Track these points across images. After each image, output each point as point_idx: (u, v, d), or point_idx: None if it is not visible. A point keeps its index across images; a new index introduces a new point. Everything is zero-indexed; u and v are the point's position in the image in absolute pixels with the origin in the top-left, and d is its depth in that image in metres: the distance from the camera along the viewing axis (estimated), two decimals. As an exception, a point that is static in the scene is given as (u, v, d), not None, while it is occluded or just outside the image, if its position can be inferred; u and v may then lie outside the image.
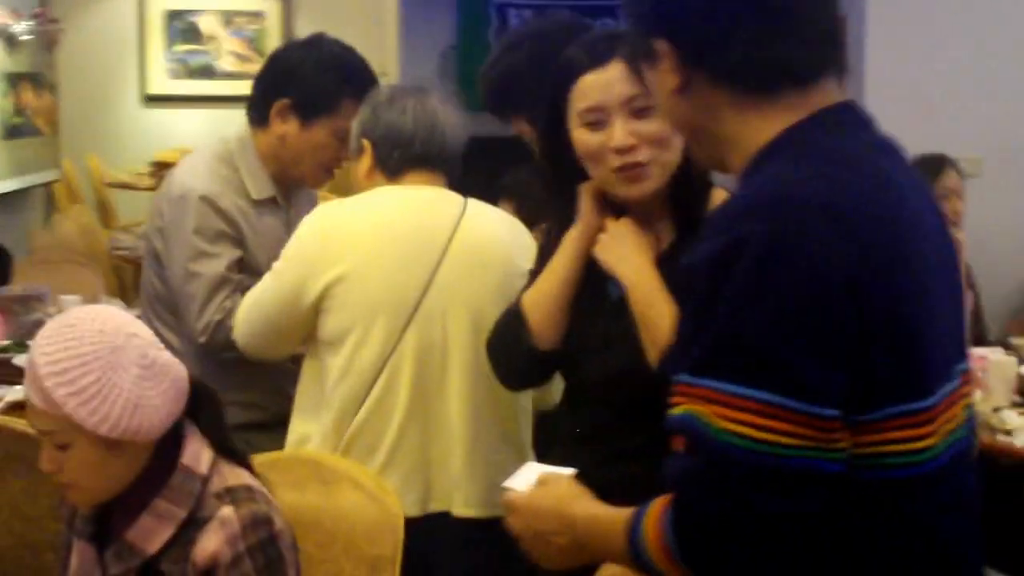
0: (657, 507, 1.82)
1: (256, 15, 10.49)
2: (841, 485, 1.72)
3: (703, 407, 1.71)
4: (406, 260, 3.04)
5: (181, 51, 10.57)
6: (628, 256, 2.44)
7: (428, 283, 3.01)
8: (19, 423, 3.36)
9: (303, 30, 10.29)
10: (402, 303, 3.01)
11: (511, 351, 2.65)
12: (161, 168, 9.36)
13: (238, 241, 3.47)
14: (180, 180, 3.53)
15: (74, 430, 2.28)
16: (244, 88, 10.75)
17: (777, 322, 1.68)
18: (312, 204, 3.71)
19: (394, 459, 3.03)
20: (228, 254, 3.43)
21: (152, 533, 2.34)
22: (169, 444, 2.37)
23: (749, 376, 1.69)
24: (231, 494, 2.36)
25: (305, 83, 3.51)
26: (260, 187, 3.53)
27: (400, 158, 3.15)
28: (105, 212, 9.47)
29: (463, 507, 3.07)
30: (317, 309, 3.04)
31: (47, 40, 9.34)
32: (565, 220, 2.61)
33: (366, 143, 3.19)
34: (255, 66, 10.42)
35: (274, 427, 3.35)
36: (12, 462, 3.28)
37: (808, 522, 1.72)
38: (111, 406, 2.27)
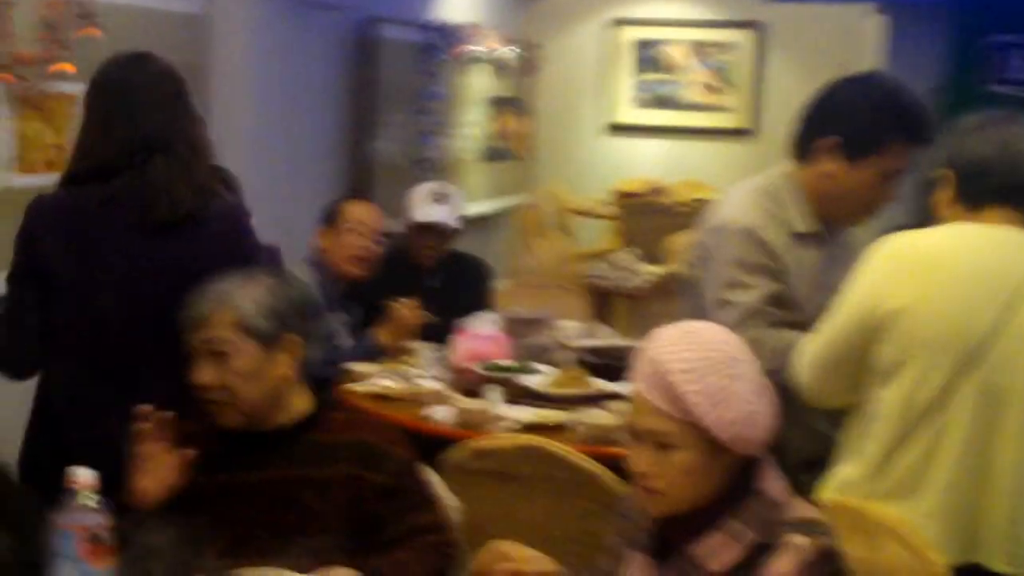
0: None
1: (728, 46, 10.47)
2: None
3: None
4: (974, 300, 2.89)
5: (648, 80, 10.67)
6: None
7: (1001, 326, 2.87)
8: (552, 444, 3.39)
9: (776, 63, 10.23)
10: (967, 343, 2.88)
11: None
12: (624, 197, 9.47)
13: (777, 275, 3.43)
14: (724, 211, 3.53)
15: (688, 431, 2.31)
16: (709, 120, 10.74)
17: None
18: (852, 240, 3.62)
19: (943, 503, 2.91)
20: (764, 287, 3.40)
21: (720, 551, 2.34)
22: (750, 467, 2.38)
23: None
24: (805, 525, 2.34)
25: (855, 122, 3.42)
26: (803, 221, 3.48)
27: (979, 190, 3.01)
28: (566, 239, 9.63)
29: (1004, 564, 2.89)
30: (876, 338, 2.96)
31: (529, 66, 9.61)
32: None
33: (947, 172, 3.08)
34: (722, 98, 10.61)
35: (804, 469, 3.26)
36: (541, 482, 3.32)
37: None
38: (732, 411, 2.31)
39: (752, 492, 2.36)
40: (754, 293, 3.39)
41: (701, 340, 2.36)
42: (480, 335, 4.60)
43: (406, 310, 4.83)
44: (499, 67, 8.95)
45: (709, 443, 2.31)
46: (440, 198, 5.44)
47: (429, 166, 7.49)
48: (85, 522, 2.42)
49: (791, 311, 3.38)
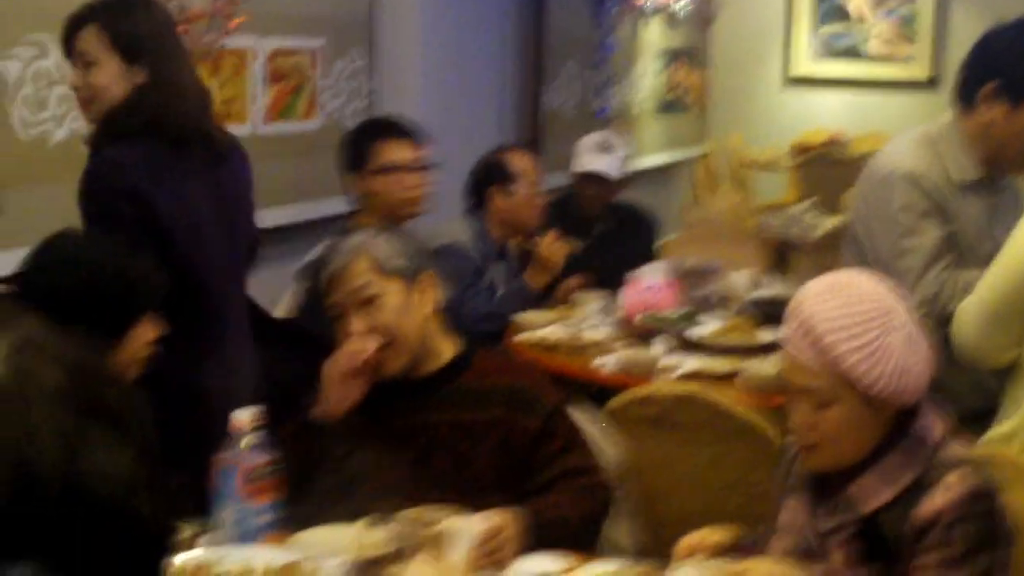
0: None
1: (910, -3, 10.23)
2: None
3: None
4: None
5: (827, 32, 10.47)
6: None
7: None
8: (712, 393, 3.36)
9: (960, 12, 9.95)
10: None
11: None
12: (801, 151, 9.33)
13: (944, 220, 3.38)
14: (884, 161, 3.49)
15: (843, 388, 2.28)
16: (891, 71, 10.48)
17: None
18: (1016, 192, 3.53)
19: None
20: (936, 231, 3.37)
21: (875, 491, 2.31)
22: (907, 410, 2.34)
23: None
24: (960, 465, 2.30)
25: (1014, 66, 3.34)
26: (964, 170, 3.42)
27: None
28: (743, 191, 9.53)
29: None
30: None
31: (703, 19, 9.51)
32: None
33: None
34: (903, 49, 10.36)
35: (969, 420, 3.19)
36: (701, 431, 3.29)
37: None
38: (885, 365, 2.26)
39: (909, 433, 2.33)
40: (929, 236, 3.37)
41: (851, 294, 2.30)
42: (648, 285, 4.58)
43: (547, 245, 4.80)
44: (674, 19, 8.86)
45: (864, 398, 2.28)
46: (605, 148, 5.45)
47: (602, 118, 7.46)
48: (246, 461, 2.48)
49: (960, 259, 3.34)
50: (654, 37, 8.60)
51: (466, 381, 2.87)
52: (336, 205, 5.00)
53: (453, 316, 4.39)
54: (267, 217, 4.85)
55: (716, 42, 9.96)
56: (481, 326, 4.42)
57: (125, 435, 1.27)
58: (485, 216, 4.87)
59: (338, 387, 2.80)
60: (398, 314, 2.83)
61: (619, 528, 3.10)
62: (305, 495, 2.59)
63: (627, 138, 5.82)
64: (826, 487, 2.39)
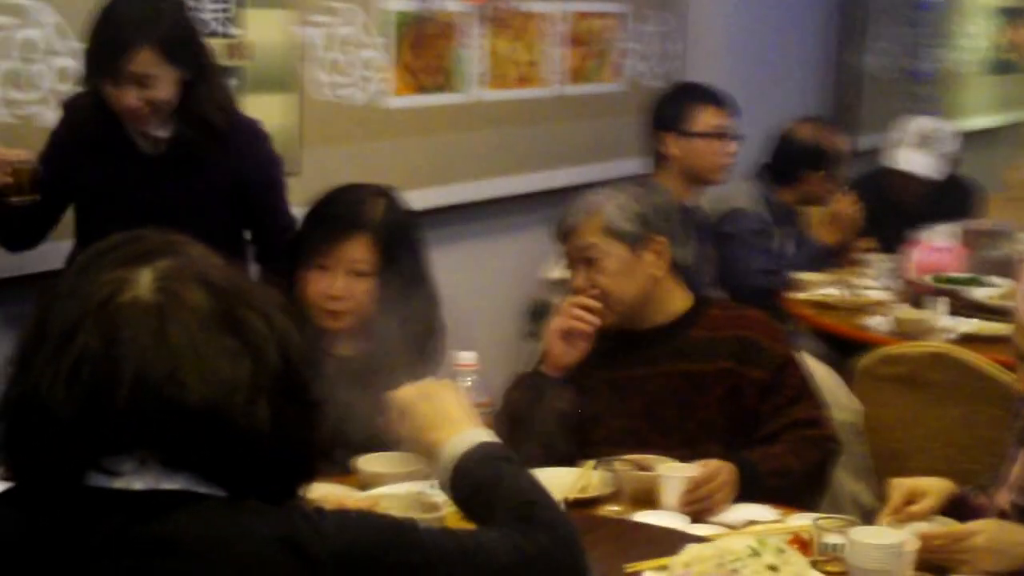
0: None
1: None
2: None
3: None
4: None
5: None
6: None
7: None
8: (965, 352, 3.33)
9: None
10: None
11: None
12: None
13: None
14: None
15: None
16: None
17: None
18: None
19: None
20: None
21: None
22: None
23: None
24: None
25: None
26: None
27: None
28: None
29: None
30: None
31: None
32: None
33: None
34: None
35: None
36: (953, 391, 3.27)
37: None
38: None
39: None
40: None
41: None
42: (934, 246, 4.54)
43: (844, 204, 4.76)
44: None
45: None
46: (926, 141, 5.27)
47: (923, 79, 7.28)
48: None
49: None
50: (988, -6, 8.33)
51: (695, 333, 2.93)
52: (634, 165, 5.12)
53: (733, 272, 4.44)
54: (567, 175, 5.04)
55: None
56: (759, 280, 4.44)
57: (256, 352, 1.41)
58: (789, 188, 4.87)
59: (559, 345, 2.93)
60: (617, 277, 2.91)
61: (860, 484, 3.13)
62: (531, 440, 2.73)
63: (952, 129, 5.48)
64: None
